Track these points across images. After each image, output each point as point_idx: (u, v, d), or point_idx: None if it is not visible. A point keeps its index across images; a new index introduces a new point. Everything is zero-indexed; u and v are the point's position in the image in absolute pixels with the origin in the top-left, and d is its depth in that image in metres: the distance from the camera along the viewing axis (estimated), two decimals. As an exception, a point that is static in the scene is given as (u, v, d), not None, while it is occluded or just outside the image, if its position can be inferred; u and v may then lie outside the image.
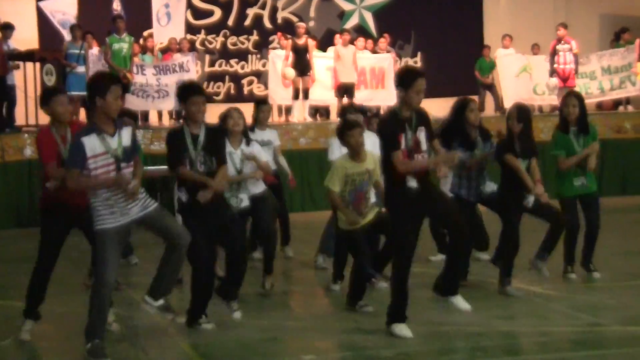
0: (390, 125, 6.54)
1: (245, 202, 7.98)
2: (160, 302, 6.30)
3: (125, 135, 6.13)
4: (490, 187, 8.09)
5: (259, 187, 8.33)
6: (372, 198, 7.38)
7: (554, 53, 16.72)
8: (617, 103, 17.88)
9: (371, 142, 7.61)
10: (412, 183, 6.50)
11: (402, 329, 6.52)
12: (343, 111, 8.91)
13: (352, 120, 7.49)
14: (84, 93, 15.06)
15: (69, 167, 6.05)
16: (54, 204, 6.60)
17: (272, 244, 8.28)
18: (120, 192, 5.98)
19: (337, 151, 8.27)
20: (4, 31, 14.83)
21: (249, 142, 8.25)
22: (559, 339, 6.61)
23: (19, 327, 6.76)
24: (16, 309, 7.60)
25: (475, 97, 17.73)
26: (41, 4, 16.48)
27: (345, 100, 16.34)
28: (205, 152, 6.81)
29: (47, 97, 6.79)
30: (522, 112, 8.02)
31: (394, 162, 6.45)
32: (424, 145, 6.61)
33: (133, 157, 6.17)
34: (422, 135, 6.60)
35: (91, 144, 5.96)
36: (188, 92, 6.83)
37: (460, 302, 6.87)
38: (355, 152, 7.19)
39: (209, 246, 6.85)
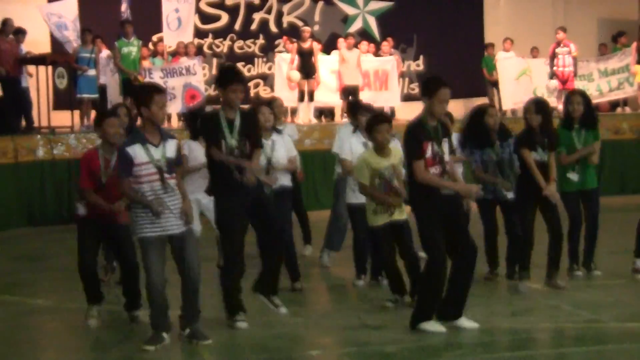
0: (417, 133, 6.50)
1: (280, 182, 7.89)
2: (187, 331, 6.37)
3: (170, 147, 6.21)
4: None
5: (286, 181, 8.19)
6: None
7: (553, 56, 16.72)
8: (614, 105, 17.86)
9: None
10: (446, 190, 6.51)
11: (434, 325, 6.49)
12: (353, 107, 8.79)
13: (382, 115, 7.48)
14: (95, 96, 15.30)
15: (120, 176, 6.17)
16: (86, 220, 6.94)
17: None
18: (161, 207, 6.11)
19: (343, 143, 8.28)
20: (17, 35, 14.87)
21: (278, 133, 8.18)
22: (558, 335, 6.61)
23: (29, 323, 6.79)
24: (27, 305, 7.66)
25: (477, 98, 17.94)
26: (38, 7, 16.49)
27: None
28: (241, 136, 6.73)
29: (99, 119, 7.01)
30: (540, 105, 8.02)
31: (415, 170, 6.41)
32: (446, 156, 6.57)
33: (178, 169, 6.28)
34: (445, 146, 6.58)
35: (134, 152, 6.06)
36: (227, 79, 6.75)
37: (466, 322, 6.65)
38: (381, 147, 7.22)
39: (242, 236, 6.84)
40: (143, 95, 6.14)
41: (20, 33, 14.97)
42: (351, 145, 8.11)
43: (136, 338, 6.62)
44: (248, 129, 6.79)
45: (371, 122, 7.34)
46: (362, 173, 7.20)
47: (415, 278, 7.15)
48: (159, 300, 6.23)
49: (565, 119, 8.33)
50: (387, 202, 7.17)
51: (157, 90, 6.21)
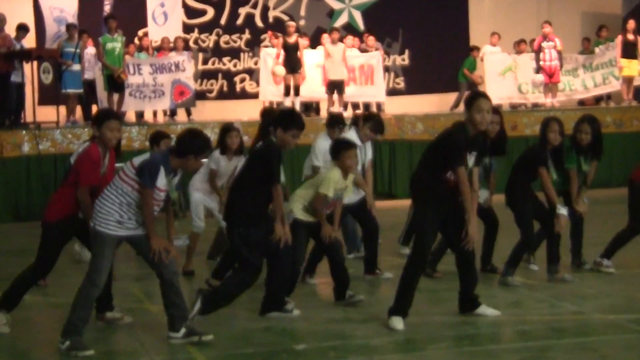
0: (461, 141, 6.52)
1: None
2: (183, 330, 6.30)
3: (173, 181, 6.24)
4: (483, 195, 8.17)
5: None
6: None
7: (539, 50, 16.76)
8: (598, 99, 17.93)
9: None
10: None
11: (397, 322, 6.53)
12: (332, 121, 9.00)
13: (349, 142, 7.54)
14: (80, 90, 15.24)
15: (144, 186, 6.04)
16: (64, 218, 6.61)
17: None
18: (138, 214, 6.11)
19: (321, 156, 8.39)
20: (18, 31, 14.85)
21: None
22: (541, 327, 6.64)
23: (16, 317, 6.76)
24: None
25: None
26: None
27: (336, 96, 16.38)
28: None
29: (100, 119, 6.70)
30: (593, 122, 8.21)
31: (459, 176, 6.43)
32: (469, 169, 6.62)
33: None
34: (473, 158, 6.65)
35: (162, 175, 6.08)
36: (291, 124, 6.80)
37: (487, 310, 6.89)
38: (346, 172, 7.35)
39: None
40: (199, 147, 6.18)
41: (22, 29, 14.92)
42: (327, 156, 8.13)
43: (123, 333, 6.63)
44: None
45: (339, 147, 7.41)
46: (328, 187, 7.26)
47: (341, 278, 7.35)
48: (93, 300, 6.22)
49: (572, 144, 8.29)
50: (321, 220, 7.29)
51: (209, 147, 6.39)
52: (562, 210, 7.94)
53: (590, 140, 8.19)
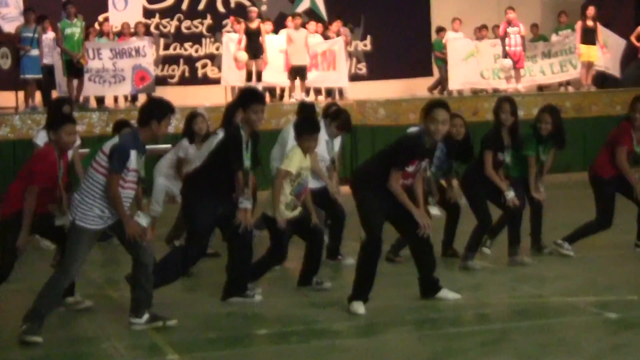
0: (412, 149, 6.61)
1: None
2: (146, 316, 6.29)
3: (143, 159, 6.21)
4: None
5: None
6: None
7: (504, 36, 16.86)
8: (558, 84, 18.09)
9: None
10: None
11: (358, 306, 6.58)
12: (302, 110, 9.03)
13: (312, 125, 7.37)
14: (39, 76, 15.04)
15: (112, 171, 5.99)
16: (17, 213, 6.52)
17: None
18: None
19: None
20: None
21: None
22: (502, 310, 6.72)
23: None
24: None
25: (423, 78, 18.08)
26: None
27: (298, 82, 16.36)
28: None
29: (56, 124, 6.67)
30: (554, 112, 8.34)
31: (391, 177, 6.53)
32: (419, 173, 6.75)
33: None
34: (424, 163, 6.75)
35: (133, 157, 6.03)
36: (250, 99, 6.85)
37: (448, 293, 6.95)
38: (306, 152, 7.27)
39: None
40: (160, 110, 6.14)
41: None
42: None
43: (84, 319, 6.59)
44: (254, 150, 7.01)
45: (302, 129, 7.29)
46: (291, 163, 7.17)
47: (314, 264, 7.39)
48: (62, 291, 6.22)
49: (534, 131, 8.37)
50: (278, 214, 7.11)
51: (172, 111, 6.26)
52: (508, 193, 7.97)
53: (551, 130, 8.27)
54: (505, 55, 16.92)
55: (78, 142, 8.89)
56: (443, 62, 17.75)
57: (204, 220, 6.82)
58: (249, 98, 6.92)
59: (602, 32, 17.12)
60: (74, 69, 15.24)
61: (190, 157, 8.68)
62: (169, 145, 9.90)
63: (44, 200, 6.61)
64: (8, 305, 7.09)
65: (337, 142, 8.82)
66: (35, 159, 6.72)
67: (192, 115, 8.91)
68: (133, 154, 6.03)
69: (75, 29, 15.17)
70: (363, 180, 6.81)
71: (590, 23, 16.95)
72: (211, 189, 6.80)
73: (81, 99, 15.52)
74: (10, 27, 15.32)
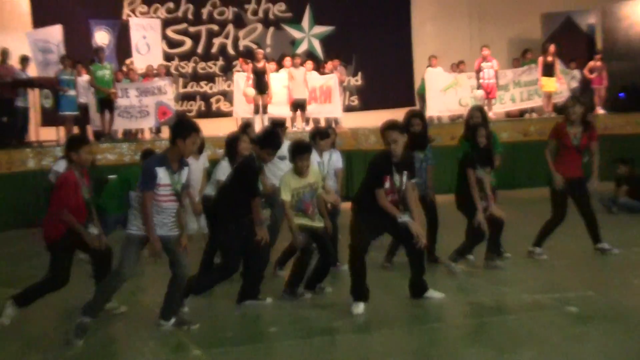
0: (381, 166, 6.62)
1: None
2: (173, 320, 6.33)
3: (184, 175, 6.20)
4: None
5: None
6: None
7: (479, 70, 16.98)
8: (523, 112, 18.18)
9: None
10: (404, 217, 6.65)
11: (356, 307, 6.62)
12: (313, 135, 8.72)
13: (303, 146, 7.24)
14: (76, 113, 15.14)
15: (143, 189, 6.00)
16: (65, 234, 6.48)
17: None
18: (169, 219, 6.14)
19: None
20: (22, 62, 14.78)
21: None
22: (480, 306, 6.73)
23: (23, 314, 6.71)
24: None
25: (406, 108, 18.07)
26: (27, 33, 16.31)
27: (299, 113, 16.44)
28: None
29: (76, 145, 6.61)
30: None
31: (377, 196, 6.54)
32: (403, 186, 6.71)
33: (184, 194, 6.28)
34: (404, 176, 6.70)
35: (161, 173, 6.01)
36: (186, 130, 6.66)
37: (434, 293, 6.99)
38: (300, 172, 7.17)
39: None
40: (184, 128, 6.08)
41: (24, 60, 14.89)
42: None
43: (113, 324, 6.63)
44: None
45: (294, 150, 7.17)
46: (284, 192, 7.15)
47: (323, 271, 7.31)
48: (115, 290, 6.24)
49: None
50: (294, 228, 7.10)
51: (196, 129, 6.15)
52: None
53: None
54: (479, 86, 17.03)
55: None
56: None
57: (233, 244, 6.82)
58: (268, 142, 6.97)
59: (560, 65, 17.30)
60: (106, 106, 15.35)
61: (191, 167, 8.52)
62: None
63: (77, 218, 6.55)
64: (53, 312, 7.14)
65: (335, 157, 8.70)
66: (59, 183, 6.59)
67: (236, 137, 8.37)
68: (160, 171, 6.02)
69: (105, 70, 15.34)
70: (357, 203, 6.81)
71: (550, 58, 17.07)
72: (232, 216, 6.84)
73: (112, 132, 15.62)
74: (51, 72, 15.45)
